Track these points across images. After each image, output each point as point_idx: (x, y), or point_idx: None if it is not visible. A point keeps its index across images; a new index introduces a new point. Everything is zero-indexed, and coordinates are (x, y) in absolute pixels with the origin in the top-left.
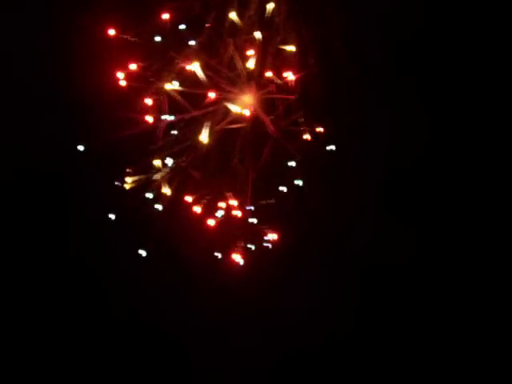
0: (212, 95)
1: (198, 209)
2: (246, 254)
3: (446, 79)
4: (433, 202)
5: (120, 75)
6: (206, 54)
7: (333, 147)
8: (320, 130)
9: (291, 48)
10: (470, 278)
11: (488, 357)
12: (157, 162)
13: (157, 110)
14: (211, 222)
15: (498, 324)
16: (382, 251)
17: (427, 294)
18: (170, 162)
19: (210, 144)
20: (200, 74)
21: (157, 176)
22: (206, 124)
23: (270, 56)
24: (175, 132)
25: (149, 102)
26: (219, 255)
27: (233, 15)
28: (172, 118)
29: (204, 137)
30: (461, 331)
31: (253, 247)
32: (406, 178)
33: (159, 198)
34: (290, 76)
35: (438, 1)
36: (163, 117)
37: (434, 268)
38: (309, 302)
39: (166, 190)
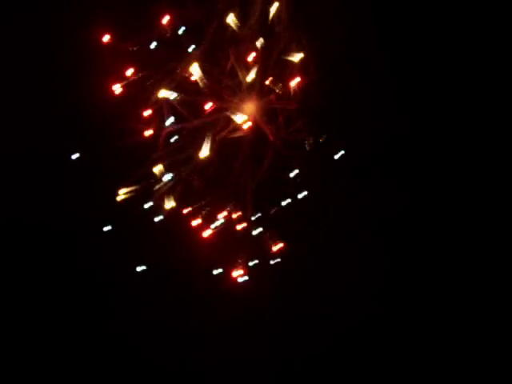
0: (209, 106)
1: (197, 221)
2: (248, 269)
3: (448, 85)
4: (439, 208)
5: (120, 84)
6: (207, 63)
7: (340, 154)
8: (321, 138)
9: (296, 57)
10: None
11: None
12: (157, 169)
13: (157, 120)
14: (209, 234)
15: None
16: (386, 258)
17: (433, 305)
18: (168, 176)
19: (210, 155)
20: (199, 75)
21: (157, 187)
22: (206, 137)
23: (271, 65)
24: (175, 138)
25: (148, 112)
26: (219, 271)
27: (231, 18)
28: (172, 120)
29: (204, 151)
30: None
31: (254, 262)
32: (409, 182)
33: (158, 208)
34: (292, 83)
35: (439, 10)
36: (167, 122)
37: (441, 278)
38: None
39: (169, 203)
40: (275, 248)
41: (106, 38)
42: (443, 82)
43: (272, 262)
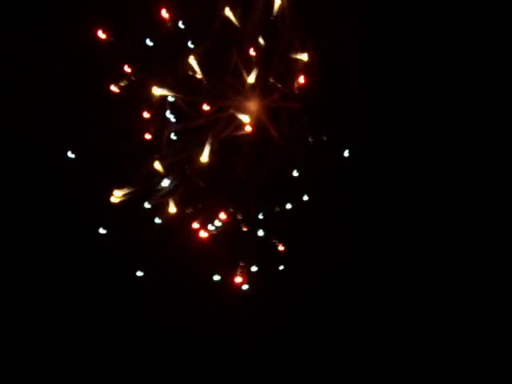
0: (208, 107)
1: (197, 224)
2: (249, 275)
3: (451, 85)
4: (448, 210)
5: (119, 82)
6: (209, 61)
7: (347, 152)
8: (324, 136)
9: (303, 56)
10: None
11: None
12: (157, 167)
13: (158, 119)
14: (206, 235)
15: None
16: (393, 264)
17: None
18: (167, 181)
19: (210, 159)
20: (196, 68)
21: (158, 188)
22: (207, 141)
23: (274, 63)
24: (177, 137)
25: (149, 111)
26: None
27: (227, 12)
28: (173, 119)
29: (204, 156)
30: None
31: (256, 268)
32: (414, 182)
33: (158, 210)
34: (295, 81)
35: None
36: (169, 119)
37: (442, 282)
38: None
39: (172, 207)
40: (280, 248)
41: (104, 35)
42: (447, 83)
43: (280, 268)
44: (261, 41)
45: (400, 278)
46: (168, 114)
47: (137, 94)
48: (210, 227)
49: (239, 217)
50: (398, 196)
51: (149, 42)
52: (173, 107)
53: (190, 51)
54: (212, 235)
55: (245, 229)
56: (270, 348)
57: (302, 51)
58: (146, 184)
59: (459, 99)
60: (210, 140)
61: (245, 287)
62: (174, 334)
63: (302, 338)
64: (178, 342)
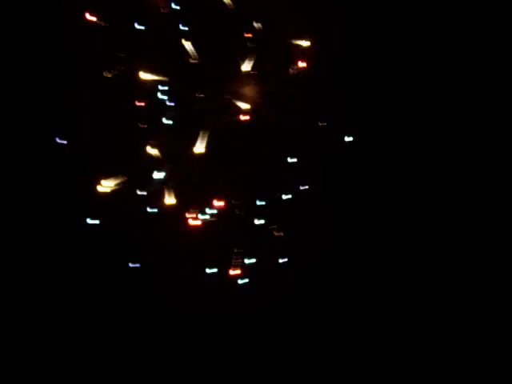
0: (202, 94)
1: (192, 214)
2: (246, 268)
3: (448, 83)
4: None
5: (111, 69)
6: (205, 46)
7: (350, 139)
8: (324, 124)
9: (304, 43)
10: None
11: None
12: (152, 153)
13: (152, 106)
14: (197, 224)
15: None
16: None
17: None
18: (160, 175)
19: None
20: (192, 51)
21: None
22: (202, 132)
23: (271, 48)
24: (173, 123)
25: (143, 98)
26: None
27: None
28: (169, 105)
29: (199, 147)
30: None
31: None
32: (415, 173)
33: (152, 199)
34: (292, 67)
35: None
36: (161, 100)
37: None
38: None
39: (170, 198)
40: (276, 234)
41: (93, 18)
42: (446, 81)
43: (280, 261)
44: (258, 25)
45: (401, 270)
46: (162, 100)
47: (130, 80)
48: (205, 215)
49: (235, 205)
50: (399, 187)
51: (140, 26)
52: (167, 93)
53: (184, 35)
54: (207, 224)
55: (241, 217)
56: (269, 345)
57: (300, 36)
58: (140, 172)
59: (460, 89)
60: (205, 127)
61: (241, 281)
62: (168, 327)
63: (301, 334)
64: (172, 337)
